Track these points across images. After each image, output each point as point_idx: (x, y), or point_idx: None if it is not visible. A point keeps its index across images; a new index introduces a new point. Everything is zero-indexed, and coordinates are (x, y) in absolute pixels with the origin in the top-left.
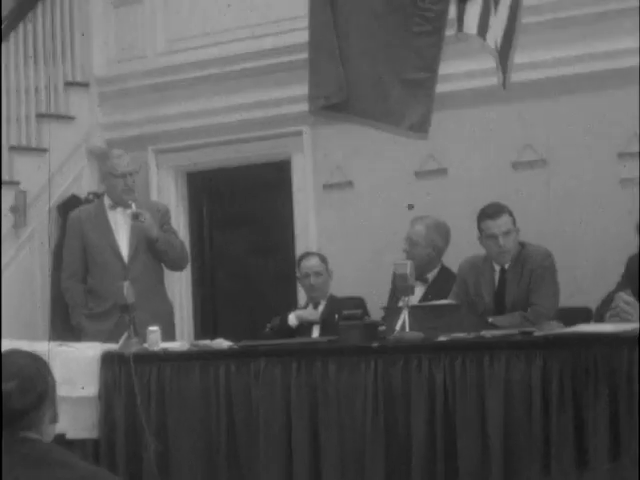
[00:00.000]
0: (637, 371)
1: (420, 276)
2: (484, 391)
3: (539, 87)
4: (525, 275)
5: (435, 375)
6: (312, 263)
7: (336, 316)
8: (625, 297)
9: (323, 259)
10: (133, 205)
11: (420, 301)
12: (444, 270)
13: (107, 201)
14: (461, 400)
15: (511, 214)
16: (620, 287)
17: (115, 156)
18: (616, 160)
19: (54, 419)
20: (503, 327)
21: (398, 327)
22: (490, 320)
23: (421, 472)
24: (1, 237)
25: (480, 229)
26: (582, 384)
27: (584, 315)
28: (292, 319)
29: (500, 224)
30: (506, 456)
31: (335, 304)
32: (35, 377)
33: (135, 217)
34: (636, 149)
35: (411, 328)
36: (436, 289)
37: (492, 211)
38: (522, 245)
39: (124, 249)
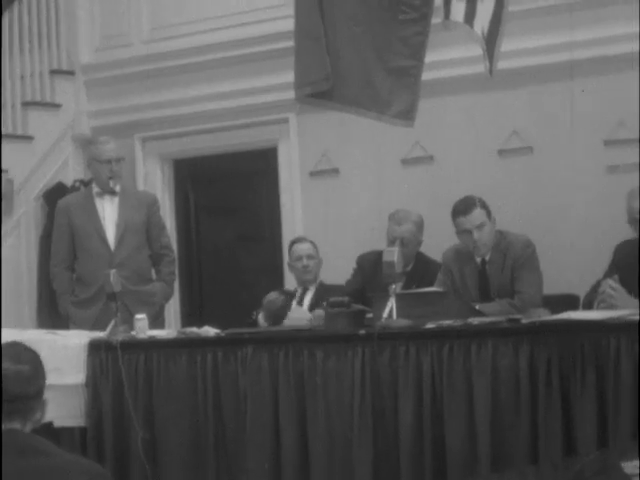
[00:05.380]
0: (625, 358)
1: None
2: (471, 378)
3: (526, 75)
4: (507, 264)
5: (422, 362)
6: (304, 246)
7: (324, 303)
8: (611, 284)
9: (314, 245)
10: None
11: (403, 290)
12: (419, 256)
13: (95, 188)
14: (448, 387)
15: (484, 206)
16: (608, 275)
17: (100, 142)
18: (602, 147)
19: (38, 421)
20: (490, 314)
21: (385, 314)
22: (477, 307)
23: (409, 459)
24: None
25: (455, 225)
26: (569, 371)
27: (571, 302)
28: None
29: (472, 219)
30: (493, 443)
31: (324, 291)
32: (40, 369)
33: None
34: (622, 136)
35: (398, 315)
36: (418, 277)
37: (463, 207)
38: (502, 234)
39: (111, 235)
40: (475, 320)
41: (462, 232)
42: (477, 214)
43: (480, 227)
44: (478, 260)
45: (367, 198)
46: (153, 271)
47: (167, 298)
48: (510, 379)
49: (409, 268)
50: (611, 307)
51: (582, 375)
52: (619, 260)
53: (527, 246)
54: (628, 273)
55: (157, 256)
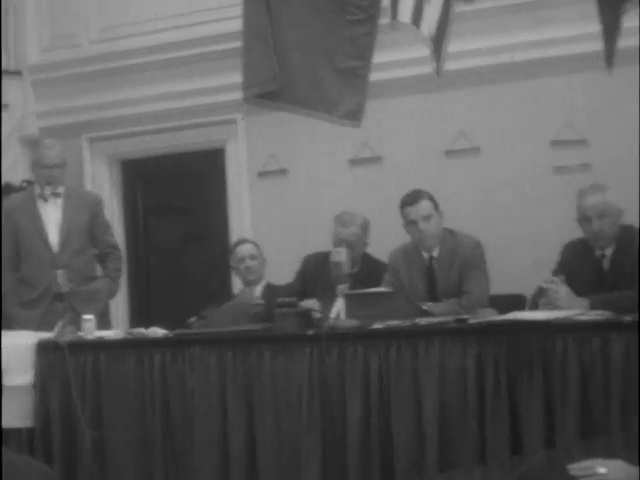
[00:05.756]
0: (572, 358)
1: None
2: (419, 378)
3: (473, 76)
4: (456, 263)
5: (370, 362)
6: (247, 247)
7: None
8: (552, 282)
9: (257, 245)
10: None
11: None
12: (365, 258)
13: (37, 190)
14: (396, 387)
15: (431, 199)
16: (555, 274)
17: (44, 146)
18: (549, 148)
19: None
20: (438, 314)
21: (333, 315)
22: (425, 307)
23: (357, 458)
24: None
25: (402, 217)
26: (516, 371)
27: (517, 302)
28: None
29: (419, 209)
30: (441, 442)
31: (272, 291)
32: None
33: None
34: (569, 137)
35: (346, 316)
36: (364, 278)
37: (410, 198)
38: (451, 233)
39: (53, 237)
40: (423, 320)
41: (409, 223)
42: (424, 205)
43: (427, 218)
44: (425, 256)
45: (315, 199)
46: (99, 268)
47: (112, 294)
48: (457, 379)
49: (355, 270)
50: (556, 307)
51: (529, 375)
52: (566, 260)
53: (476, 247)
54: (575, 273)
55: (103, 255)
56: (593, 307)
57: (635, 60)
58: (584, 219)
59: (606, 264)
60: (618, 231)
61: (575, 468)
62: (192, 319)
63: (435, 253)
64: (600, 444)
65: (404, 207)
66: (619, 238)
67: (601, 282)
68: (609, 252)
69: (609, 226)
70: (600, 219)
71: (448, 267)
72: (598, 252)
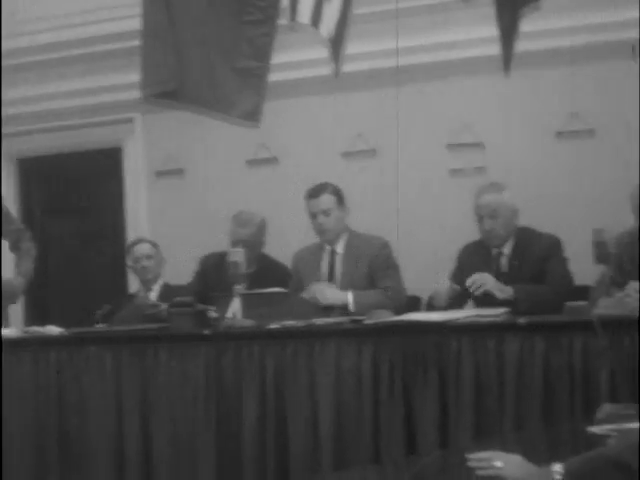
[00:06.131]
0: (466, 359)
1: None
2: (315, 378)
3: (370, 77)
4: (362, 262)
5: (266, 362)
6: (143, 247)
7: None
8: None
9: (154, 244)
10: None
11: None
12: (262, 258)
13: None
14: (292, 387)
15: (335, 193)
16: (453, 276)
17: None
18: (445, 151)
19: None
20: (365, 303)
21: (230, 314)
22: (351, 293)
23: (252, 458)
24: None
25: (307, 209)
26: (411, 372)
27: (413, 304)
28: None
29: (319, 202)
30: (336, 443)
31: (169, 291)
32: None
33: None
34: (465, 140)
35: (243, 315)
36: (261, 279)
37: (314, 190)
38: (357, 234)
39: None
40: (318, 320)
41: (311, 216)
42: (325, 199)
43: (326, 212)
44: (328, 249)
45: (212, 199)
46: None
47: (28, 275)
48: (353, 379)
49: (252, 270)
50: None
51: (424, 376)
52: (463, 262)
53: (384, 247)
54: (473, 274)
55: (15, 240)
56: (517, 295)
57: (529, 64)
58: (479, 218)
59: (504, 263)
60: (516, 232)
61: (473, 459)
62: (98, 315)
63: (340, 249)
64: (494, 444)
65: (307, 199)
66: (516, 238)
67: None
68: (507, 251)
69: (502, 225)
70: (492, 218)
71: (353, 265)
72: (495, 251)
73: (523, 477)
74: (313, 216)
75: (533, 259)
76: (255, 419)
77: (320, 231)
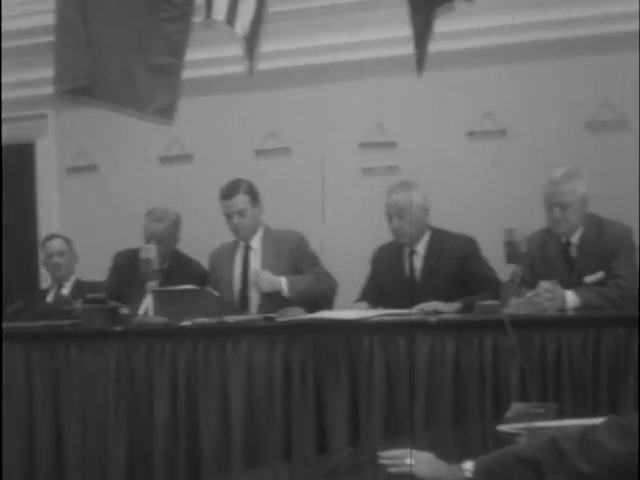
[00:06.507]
0: (378, 357)
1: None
2: (226, 375)
3: (285, 75)
4: (282, 257)
5: (178, 359)
6: (56, 243)
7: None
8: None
9: (67, 241)
10: None
11: (159, 287)
12: (176, 253)
13: None
14: (204, 384)
15: (249, 192)
16: (369, 278)
17: None
18: (358, 150)
19: None
20: (300, 290)
21: (142, 311)
22: (285, 279)
23: (163, 455)
24: None
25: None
26: (323, 370)
27: (327, 302)
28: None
29: (234, 203)
30: (247, 439)
31: (81, 288)
32: None
33: None
34: (378, 139)
35: (155, 312)
36: (174, 274)
37: (227, 191)
38: (270, 229)
39: None
40: (230, 318)
41: (225, 216)
42: (239, 199)
43: (241, 213)
44: (242, 245)
45: (126, 195)
46: None
47: None
48: (265, 377)
49: (165, 266)
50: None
51: (335, 374)
52: (377, 263)
53: (302, 239)
54: (387, 275)
55: None
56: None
57: (442, 64)
58: (388, 216)
59: (418, 262)
60: (430, 231)
61: (385, 456)
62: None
63: (255, 245)
64: (404, 442)
65: (220, 199)
66: (431, 237)
67: (413, 283)
68: (421, 250)
69: (409, 224)
70: (401, 217)
71: (272, 260)
72: (407, 250)
73: (434, 474)
74: (228, 216)
75: (450, 259)
76: (166, 416)
77: (236, 231)
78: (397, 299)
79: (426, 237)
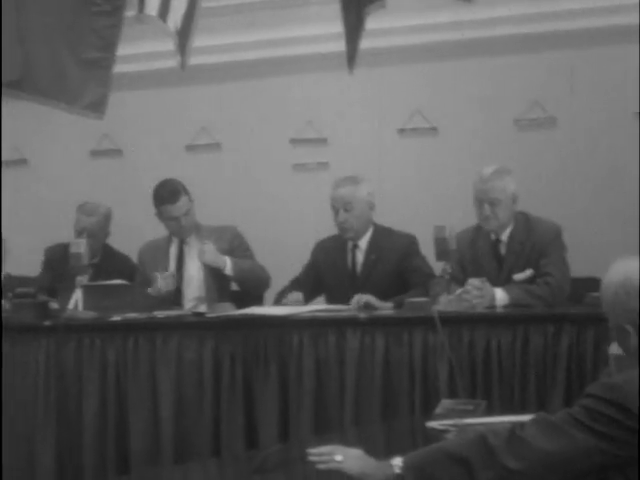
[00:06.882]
0: (307, 353)
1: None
2: (156, 370)
3: (215, 71)
4: (224, 252)
5: (108, 354)
6: None
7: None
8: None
9: None
10: None
11: (90, 282)
12: (106, 248)
13: None
14: (133, 379)
15: (186, 192)
16: (304, 272)
17: None
18: (289, 146)
19: None
20: (244, 267)
21: (71, 306)
22: (228, 258)
23: (92, 450)
24: None
25: (160, 212)
26: (253, 365)
27: (257, 298)
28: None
29: (179, 207)
30: (176, 435)
31: (12, 282)
32: None
33: None
34: (310, 135)
35: (85, 307)
36: (105, 269)
37: (169, 195)
38: (203, 225)
39: None
40: (160, 313)
41: (168, 219)
42: (183, 202)
43: (187, 213)
44: (176, 241)
45: (56, 189)
46: None
47: None
48: (194, 372)
49: (96, 260)
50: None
51: (265, 370)
52: (316, 258)
53: (238, 234)
54: (327, 269)
55: None
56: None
57: (373, 61)
58: (334, 210)
59: (360, 257)
60: (373, 228)
61: (314, 453)
62: None
63: (191, 241)
64: (334, 439)
65: (164, 204)
66: (373, 233)
67: (354, 277)
68: (363, 245)
69: (356, 218)
70: (347, 211)
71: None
72: (350, 244)
73: (363, 470)
74: (173, 219)
75: (390, 255)
76: (96, 410)
77: (181, 232)
78: (336, 291)
79: (369, 233)
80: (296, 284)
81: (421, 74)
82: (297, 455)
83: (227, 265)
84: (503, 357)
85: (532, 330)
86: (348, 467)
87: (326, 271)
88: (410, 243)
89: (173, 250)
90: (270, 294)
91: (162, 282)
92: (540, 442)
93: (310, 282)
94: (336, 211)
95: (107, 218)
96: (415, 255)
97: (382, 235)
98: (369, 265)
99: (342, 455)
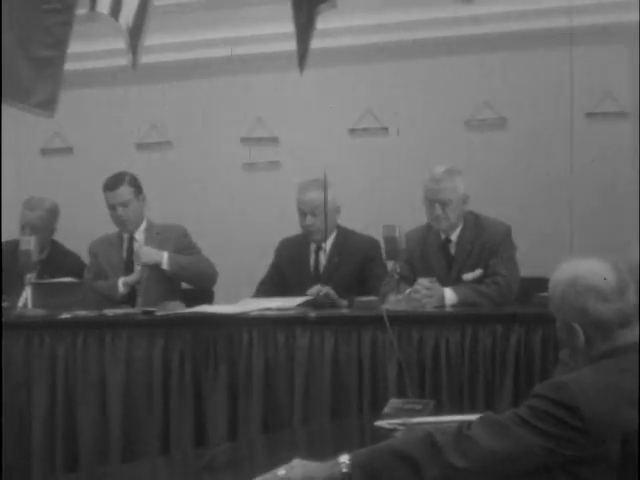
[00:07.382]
0: (256, 352)
1: None
2: (105, 368)
3: (167, 69)
4: (167, 249)
5: (57, 352)
6: None
7: None
8: None
9: None
10: None
11: (37, 279)
12: (54, 244)
13: None
14: (82, 377)
15: (133, 184)
16: (270, 273)
17: None
18: (239, 145)
19: None
20: (181, 262)
21: (21, 303)
22: (165, 253)
23: (41, 449)
24: None
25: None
26: (202, 364)
27: (207, 297)
28: (120, 286)
29: (117, 194)
30: (125, 432)
31: None
32: None
33: None
34: (260, 134)
35: (34, 305)
36: (53, 265)
37: (111, 182)
38: (154, 222)
39: None
40: (110, 311)
41: (109, 207)
42: (123, 191)
43: (125, 204)
44: (127, 237)
45: (7, 187)
46: None
47: None
48: (144, 370)
49: (43, 256)
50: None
51: (214, 368)
52: (280, 257)
53: (185, 233)
54: (291, 269)
55: None
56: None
57: (324, 62)
58: (301, 213)
59: (322, 258)
60: (337, 230)
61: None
62: None
63: (139, 237)
64: (284, 438)
65: (105, 191)
66: (336, 235)
67: (317, 278)
68: (327, 247)
69: (322, 222)
70: (314, 215)
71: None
72: (314, 246)
73: (307, 474)
74: (112, 208)
75: (352, 258)
76: (44, 408)
77: (119, 222)
78: (299, 292)
79: (333, 235)
80: (264, 283)
81: (372, 74)
82: (245, 453)
83: (164, 261)
84: (452, 356)
85: (481, 330)
86: (293, 476)
87: (288, 270)
88: (372, 247)
89: (124, 247)
90: (224, 293)
91: (122, 288)
92: (486, 441)
93: (275, 281)
94: (303, 214)
95: (52, 213)
96: (377, 260)
97: (345, 237)
98: (332, 267)
99: (283, 469)
